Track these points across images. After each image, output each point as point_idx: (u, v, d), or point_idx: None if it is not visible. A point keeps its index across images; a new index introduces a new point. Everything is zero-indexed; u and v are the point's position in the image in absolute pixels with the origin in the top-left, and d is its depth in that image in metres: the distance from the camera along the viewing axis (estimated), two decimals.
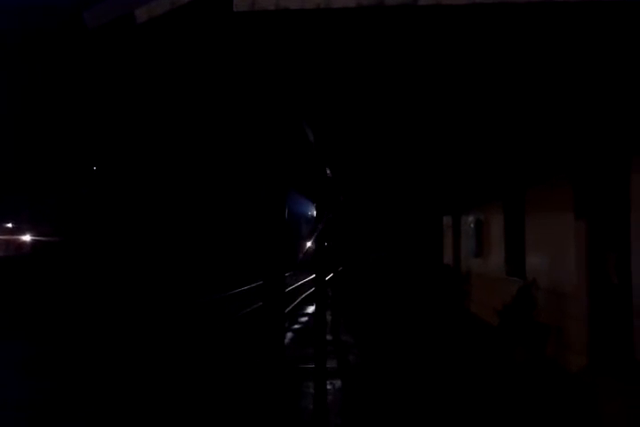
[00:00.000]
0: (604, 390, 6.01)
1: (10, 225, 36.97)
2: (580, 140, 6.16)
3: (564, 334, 7.74)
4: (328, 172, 7.49)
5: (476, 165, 8.08)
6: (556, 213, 8.16)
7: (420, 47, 3.19)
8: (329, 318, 10.70)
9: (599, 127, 5.49)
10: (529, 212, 9.57)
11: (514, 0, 2.46)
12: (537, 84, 3.98)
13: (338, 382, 7.40)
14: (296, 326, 12.79)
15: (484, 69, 3.66)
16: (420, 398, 6.69)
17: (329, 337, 9.36)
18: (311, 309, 15.46)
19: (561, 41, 3.05)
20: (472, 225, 14.08)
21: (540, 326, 8.10)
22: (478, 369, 8.15)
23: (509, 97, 4.41)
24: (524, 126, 5.47)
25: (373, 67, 3.54)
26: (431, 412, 6.20)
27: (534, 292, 8.53)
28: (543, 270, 8.68)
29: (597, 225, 6.98)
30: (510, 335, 8.39)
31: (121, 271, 22.37)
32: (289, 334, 11.29)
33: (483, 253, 13.14)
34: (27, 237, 34.48)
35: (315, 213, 8.49)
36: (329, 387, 6.94)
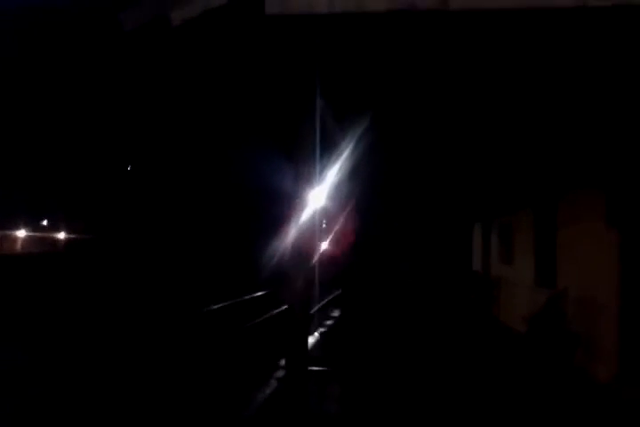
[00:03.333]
0: (633, 400, 5.89)
1: (45, 222, 37.91)
2: (612, 150, 6.06)
3: (594, 343, 7.60)
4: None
5: (508, 173, 8.01)
6: (588, 223, 8.02)
7: (451, 51, 3.19)
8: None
9: (633, 137, 5.39)
10: (561, 220, 9.43)
11: (545, 6, 2.45)
12: (570, 91, 3.94)
13: (362, 385, 7.40)
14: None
15: (518, 74, 3.63)
16: (446, 402, 6.64)
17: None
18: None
19: (590, 47, 3.02)
20: (502, 232, 13.90)
21: (570, 335, 7.97)
22: (506, 377, 8.05)
23: (542, 105, 4.37)
24: (557, 136, 5.41)
25: (402, 70, 3.56)
26: (458, 416, 6.14)
27: (564, 301, 8.39)
28: (574, 279, 8.53)
29: (630, 235, 6.84)
30: (539, 344, 8.27)
31: (140, 271, 22.58)
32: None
33: (512, 261, 12.97)
34: (61, 235, 35.25)
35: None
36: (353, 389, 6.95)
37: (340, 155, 5.83)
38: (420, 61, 3.41)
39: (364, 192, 9.10)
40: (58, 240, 36.61)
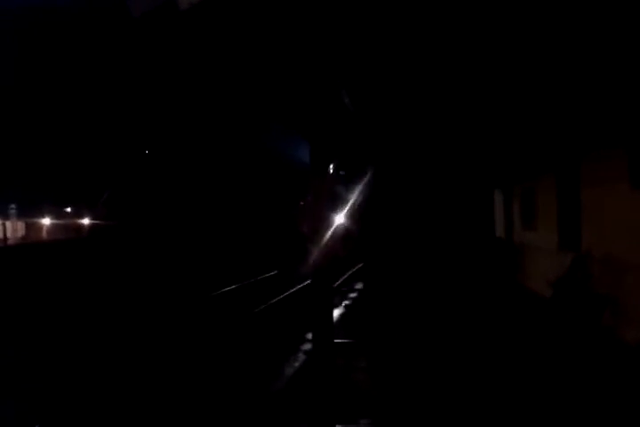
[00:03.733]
0: None
1: (69, 209, 38.48)
2: (634, 108, 5.91)
3: (622, 305, 7.56)
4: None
5: (528, 135, 7.88)
6: (612, 184, 7.90)
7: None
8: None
9: None
10: (584, 182, 9.30)
11: None
12: (592, 44, 3.82)
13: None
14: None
15: (539, 23, 3.49)
16: (474, 368, 6.70)
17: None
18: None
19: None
20: (524, 198, 13.77)
21: (597, 296, 7.94)
22: (533, 341, 8.08)
23: (563, 62, 4.26)
24: (579, 93, 5.29)
25: (414, 34, 3.49)
26: (487, 381, 6.21)
27: (590, 263, 8.34)
28: (599, 241, 8.46)
29: None
30: (565, 307, 8.26)
31: (153, 256, 22.71)
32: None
33: (536, 226, 12.88)
34: (85, 221, 35.77)
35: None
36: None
37: (354, 124, 5.79)
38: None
39: (379, 161, 9.03)
40: (81, 227, 37.18)
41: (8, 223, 36.23)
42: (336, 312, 10.72)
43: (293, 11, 2.89)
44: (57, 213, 38.33)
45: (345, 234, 14.45)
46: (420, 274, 17.00)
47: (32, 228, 39.57)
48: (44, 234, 39.96)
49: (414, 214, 21.45)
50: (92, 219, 34.20)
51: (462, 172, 13.75)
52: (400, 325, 9.73)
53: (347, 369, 6.90)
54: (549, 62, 4.34)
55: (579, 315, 7.97)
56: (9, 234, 35.86)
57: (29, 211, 36.79)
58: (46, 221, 38.67)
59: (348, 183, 9.37)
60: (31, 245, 32.40)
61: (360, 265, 16.31)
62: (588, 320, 7.89)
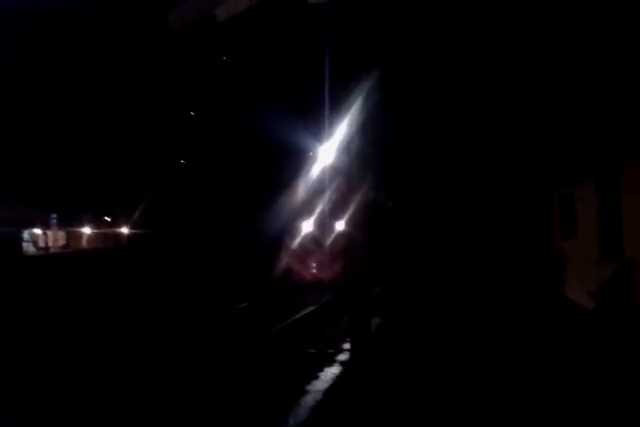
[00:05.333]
0: None
1: (108, 219, 39.31)
2: None
3: None
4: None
5: (568, 140, 7.72)
6: None
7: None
8: None
9: None
10: (626, 188, 9.05)
11: None
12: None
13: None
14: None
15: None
16: (514, 381, 6.56)
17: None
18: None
19: None
20: (563, 205, 13.50)
21: None
22: (575, 355, 7.87)
23: (605, 63, 4.17)
24: (617, 95, 5.17)
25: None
26: (528, 394, 6.07)
27: (633, 273, 8.09)
28: None
29: None
30: (607, 320, 8.03)
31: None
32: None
33: (575, 234, 12.60)
34: (123, 230, 36.43)
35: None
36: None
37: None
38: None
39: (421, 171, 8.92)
40: (120, 235, 37.90)
41: (49, 233, 37.20)
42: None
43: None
44: (97, 222, 39.20)
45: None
46: (462, 285, 16.70)
47: (72, 237, 40.52)
48: (84, 243, 40.87)
49: (455, 226, 21.19)
50: (131, 228, 34.83)
51: (503, 179, 13.55)
52: (440, 334, 9.54)
53: (387, 379, 6.79)
54: (588, 67, 4.26)
55: (622, 328, 7.73)
56: (50, 243, 36.80)
57: (70, 220, 37.73)
58: (86, 230, 39.58)
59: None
60: (70, 254, 33.19)
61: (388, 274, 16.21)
62: (632, 333, 7.64)
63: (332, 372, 7.35)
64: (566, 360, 7.52)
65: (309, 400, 6.18)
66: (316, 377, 7.09)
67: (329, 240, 14.50)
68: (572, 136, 7.29)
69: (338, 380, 6.95)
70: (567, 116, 6.00)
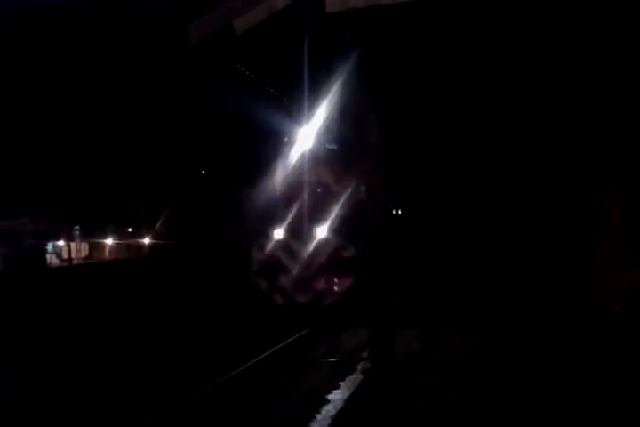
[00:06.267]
0: None
1: (130, 229, 39.70)
2: None
3: None
4: None
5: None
6: None
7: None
8: None
9: None
10: None
11: None
12: None
13: None
14: None
15: None
16: (540, 388, 6.47)
17: None
18: None
19: None
20: (591, 207, 13.29)
21: None
22: (600, 359, 7.72)
23: None
24: None
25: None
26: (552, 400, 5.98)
27: None
28: None
29: None
30: (632, 324, 7.86)
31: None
32: None
33: (605, 238, 12.37)
34: (145, 241, 36.73)
35: None
36: None
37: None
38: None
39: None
40: (142, 246, 38.21)
41: (73, 244, 37.71)
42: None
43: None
44: (119, 232, 39.61)
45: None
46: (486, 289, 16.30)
47: (95, 248, 41.04)
48: (107, 254, 41.34)
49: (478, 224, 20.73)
50: (153, 238, 35.09)
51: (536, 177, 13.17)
52: (466, 342, 9.36)
53: (408, 391, 6.70)
54: None
55: None
56: (73, 254, 37.30)
57: (93, 231, 38.24)
58: (109, 241, 40.03)
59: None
60: (93, 265, 33.56)
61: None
62: None
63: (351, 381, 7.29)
64: (586, 365, 7.38)
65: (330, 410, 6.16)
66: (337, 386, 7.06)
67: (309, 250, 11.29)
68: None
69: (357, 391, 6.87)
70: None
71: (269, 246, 11.58)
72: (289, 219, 11.48)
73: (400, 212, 13.46)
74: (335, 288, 10.45)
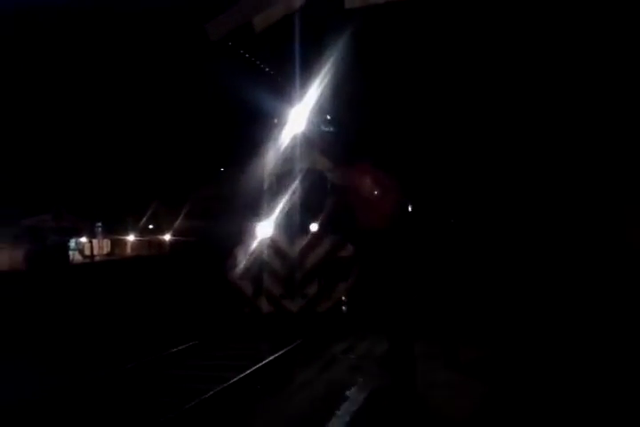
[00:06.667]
0: None
1: (151, 226, 40.11)
2: None
3: None
4: None
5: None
6: None
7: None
8: None
9: None
10: None
11: None
12: None
13: None
14: None
15: None
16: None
17: None
18: None
19: None
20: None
21: None
22: None
23: None
24: None
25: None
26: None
27: None
28: None
29: None
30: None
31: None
32: None
33: None
34: (166, 237, 37.09)
35: None
36: None
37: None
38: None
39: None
40: (163, 243, 38.59)
41: (95, 241, 38.23)
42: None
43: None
44: (140, 229, 40.05)
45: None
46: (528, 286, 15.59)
47: (117, 244, 41.59)
48: (128, 250, 41.86)
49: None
50: (173, 235, 35.40)
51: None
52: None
53: (428, 385, 6.56)
54: None
55: None
56: (95, 251, 37.82)
57: (115, 228, 38.72)
58: (130, 237, 40.50)
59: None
60: (115, 262, 33.99)
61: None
62: None
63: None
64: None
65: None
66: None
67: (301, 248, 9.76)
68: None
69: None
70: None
71: (254, 244, 10.00)
72: (277, 212, 9.86)
73: (411, 208, 12.42)
74: (331, 293, 9.03)
